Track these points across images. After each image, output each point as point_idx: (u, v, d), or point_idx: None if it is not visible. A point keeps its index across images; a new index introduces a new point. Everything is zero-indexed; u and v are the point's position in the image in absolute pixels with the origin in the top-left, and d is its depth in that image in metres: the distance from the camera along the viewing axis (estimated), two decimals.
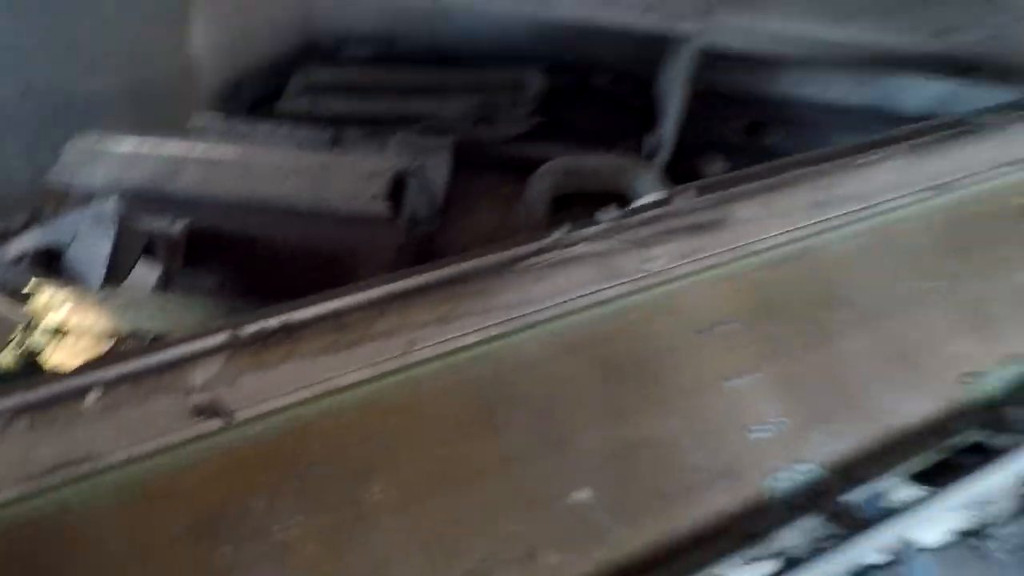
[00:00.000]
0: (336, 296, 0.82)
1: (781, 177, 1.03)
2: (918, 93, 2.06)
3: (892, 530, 1.02)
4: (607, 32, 1.87)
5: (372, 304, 0.84)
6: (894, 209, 1.09)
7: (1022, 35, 1.78)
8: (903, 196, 1.08)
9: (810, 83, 2.30)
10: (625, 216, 0.96)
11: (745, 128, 2.14)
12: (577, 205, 1.70)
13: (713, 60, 1.93)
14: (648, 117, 2.01)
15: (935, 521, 1.20)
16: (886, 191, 1.07)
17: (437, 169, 1.70)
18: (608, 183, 1.60)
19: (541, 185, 1.56)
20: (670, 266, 0.93)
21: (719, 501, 0.89)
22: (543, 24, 1.83)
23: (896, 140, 1.12)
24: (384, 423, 0.82)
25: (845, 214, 1.05)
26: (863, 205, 1.06)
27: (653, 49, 1.92)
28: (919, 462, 0.97)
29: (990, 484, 1.05)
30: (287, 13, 2.13)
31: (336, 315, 0.82)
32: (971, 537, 1.29)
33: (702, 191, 1.01)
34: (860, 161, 1.08)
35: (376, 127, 1.85)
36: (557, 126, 2.05)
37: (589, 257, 0.91)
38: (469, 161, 1.88)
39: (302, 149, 1.66)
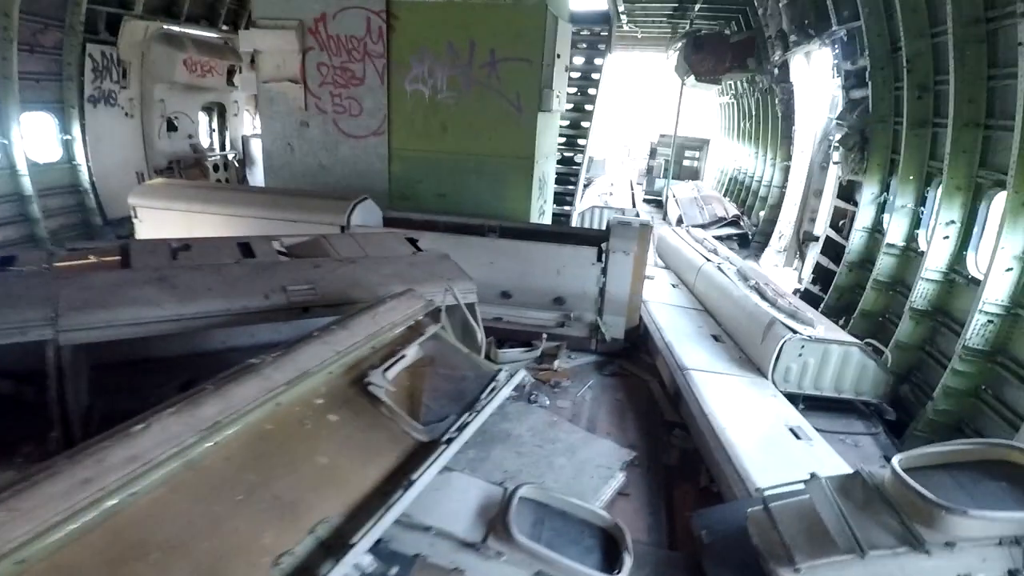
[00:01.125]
0: None
1: (34, 478, 1.14)
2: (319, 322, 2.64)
3: None
4: None
5: None
6: (180, 454, 1.33)
7: (328, 284, 2.52)
8: (182, 444, 1.34)
9: (238, 335, 2.69)
10: None
11: (180, 387, 2.32)
12: None
13: (120, 342, 2.09)
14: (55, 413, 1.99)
15: None
16: (161, 446, 1.30)
17: None
18: None
19: None
20: None
21: None
22: None
23: (167, 406, 1.40)
24: None
25: (124, 477, 1.22)
26: (142, 463, 1.26)
27: (34, 354, 1.96)
28: None
29: None
30: None
31: None
32: None
33: None
34: (134, 429, 1.30)
35: None
36: None
37: None
38: None
39: None
